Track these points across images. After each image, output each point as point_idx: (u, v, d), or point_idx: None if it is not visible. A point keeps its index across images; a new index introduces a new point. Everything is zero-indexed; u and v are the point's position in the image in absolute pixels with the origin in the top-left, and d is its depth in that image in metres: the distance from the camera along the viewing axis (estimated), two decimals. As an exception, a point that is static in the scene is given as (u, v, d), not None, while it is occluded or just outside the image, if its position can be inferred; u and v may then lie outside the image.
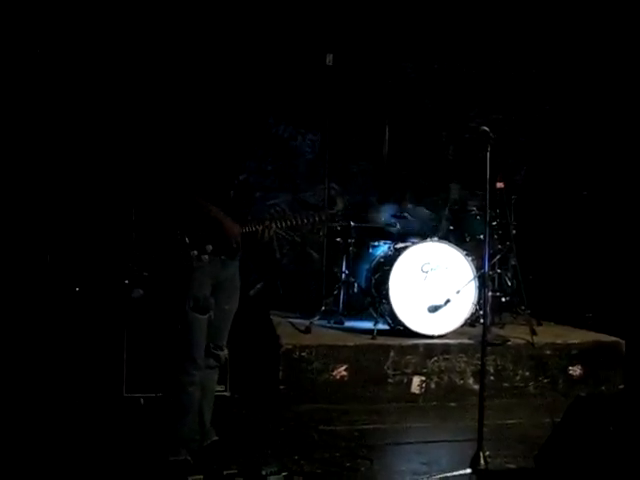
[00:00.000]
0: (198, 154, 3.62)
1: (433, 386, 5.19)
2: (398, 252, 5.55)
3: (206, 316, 3.62)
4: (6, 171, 6.11)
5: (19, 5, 6.14)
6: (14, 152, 6.16)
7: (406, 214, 6.23)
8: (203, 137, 3.66)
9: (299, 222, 3.73)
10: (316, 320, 5.82)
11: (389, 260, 5.63)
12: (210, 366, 3.77)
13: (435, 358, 5.21)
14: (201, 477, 3.53)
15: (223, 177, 3.70)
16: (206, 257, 3.55)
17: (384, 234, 6.32)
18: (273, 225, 3.67)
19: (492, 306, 5.88)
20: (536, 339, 5.38)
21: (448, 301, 5.43)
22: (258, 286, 6.99)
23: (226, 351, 3.85)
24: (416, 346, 5.23)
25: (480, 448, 3.62)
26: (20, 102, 6.22)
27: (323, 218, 3.82)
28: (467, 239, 6.11)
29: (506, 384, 5.28)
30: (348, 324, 6.00)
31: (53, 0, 6.26)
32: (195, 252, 3.53)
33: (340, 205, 6.90)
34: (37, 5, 6.20)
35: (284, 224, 3.68)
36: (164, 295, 3.83)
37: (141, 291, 5.00)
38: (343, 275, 6.19)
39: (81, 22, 6.34)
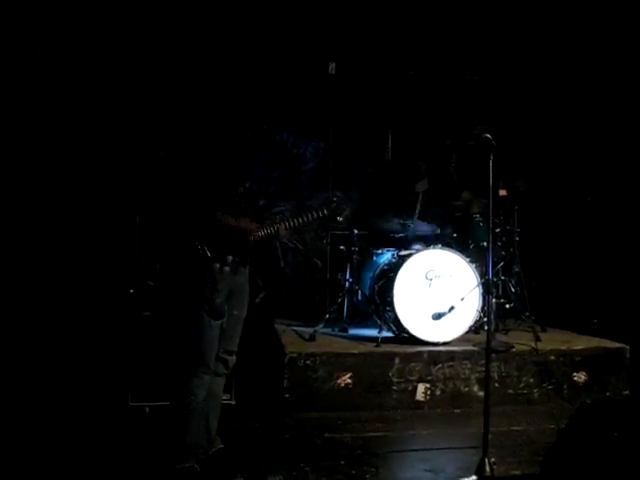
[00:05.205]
0: (202, 163, 3.65)
1: (438, 393, 5.20)
2: (402, 259, 5.56)
3: (220, 322, 3.65)
4: (10, 179, 6.14)
5: (19, 5, 6.18)
6: (18, 159, 6.19)
7: (409, 223, 6.21)
8: (206, 146, 3.69)
9: (305, 219, 3.77)
10: (320, 328, 5.84)
11: (393, 267, 5.64)
12: (217, 373, 3.78)
13: (440, 365, 5.22)
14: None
15: (227, 185, 3.72)
16: (227, 269, 3.60)
17: (388, 242, 6.32)
18: (283, 225, 3.72)
19: (496, 313, 5.88)
20: (540, 345, 5.36)
21: (452, 308, 5.43)
22: (262, 294, 7.00)
23: (234, 357, 3.86)
24: (421, 353, 5.24)
25: (485, 455, 3.62)
26: (23, 109, 6.26)
27: (326, 212, 3.86)
28: (471, 246, 6.10)
29: (510, 391, 5.28)
30: (352, 332, 6.00)
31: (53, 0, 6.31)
32: (217, 265, 3.58)
33: (343, 212, 6.89)
34: (37, 5, 6.24)
35: (292, 224, 3.73)
36: (178, 302, 3.83)
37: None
38: (347, 283, 6.20)
39: (84, 26, 6.38)
